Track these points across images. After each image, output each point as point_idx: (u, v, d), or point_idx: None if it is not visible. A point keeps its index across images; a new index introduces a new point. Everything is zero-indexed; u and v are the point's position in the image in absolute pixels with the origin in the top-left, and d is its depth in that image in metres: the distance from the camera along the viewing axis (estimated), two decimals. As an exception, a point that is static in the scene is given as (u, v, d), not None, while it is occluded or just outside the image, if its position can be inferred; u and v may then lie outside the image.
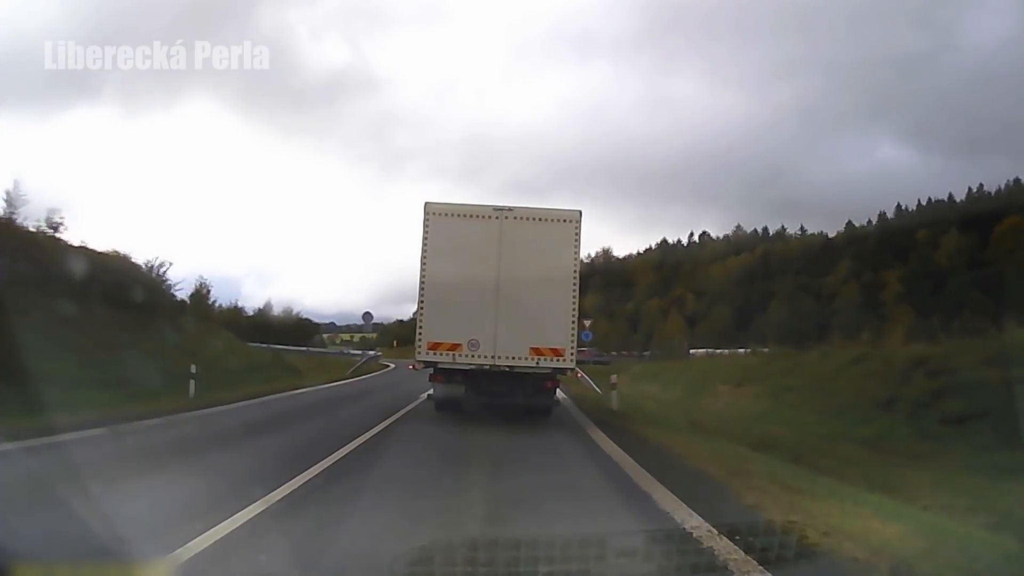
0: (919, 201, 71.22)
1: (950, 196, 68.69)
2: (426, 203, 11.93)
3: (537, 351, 11.73)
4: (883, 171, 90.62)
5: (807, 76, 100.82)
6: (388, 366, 36.38)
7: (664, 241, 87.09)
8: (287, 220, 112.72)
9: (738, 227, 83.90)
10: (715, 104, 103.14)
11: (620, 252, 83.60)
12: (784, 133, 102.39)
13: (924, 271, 55.37)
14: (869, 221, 72.14)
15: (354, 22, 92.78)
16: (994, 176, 78.02)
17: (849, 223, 73.76)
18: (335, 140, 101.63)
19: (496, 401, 12.24)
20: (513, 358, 11.71)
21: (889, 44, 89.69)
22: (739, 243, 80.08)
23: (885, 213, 72.02)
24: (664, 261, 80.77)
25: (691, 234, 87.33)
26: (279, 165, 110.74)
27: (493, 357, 11.63)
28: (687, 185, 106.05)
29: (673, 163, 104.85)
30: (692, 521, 5.04)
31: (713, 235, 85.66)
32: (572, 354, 12.05)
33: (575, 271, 12.02)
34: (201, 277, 51.75)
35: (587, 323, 26.24)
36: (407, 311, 74.36)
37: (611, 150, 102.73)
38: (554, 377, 12.29)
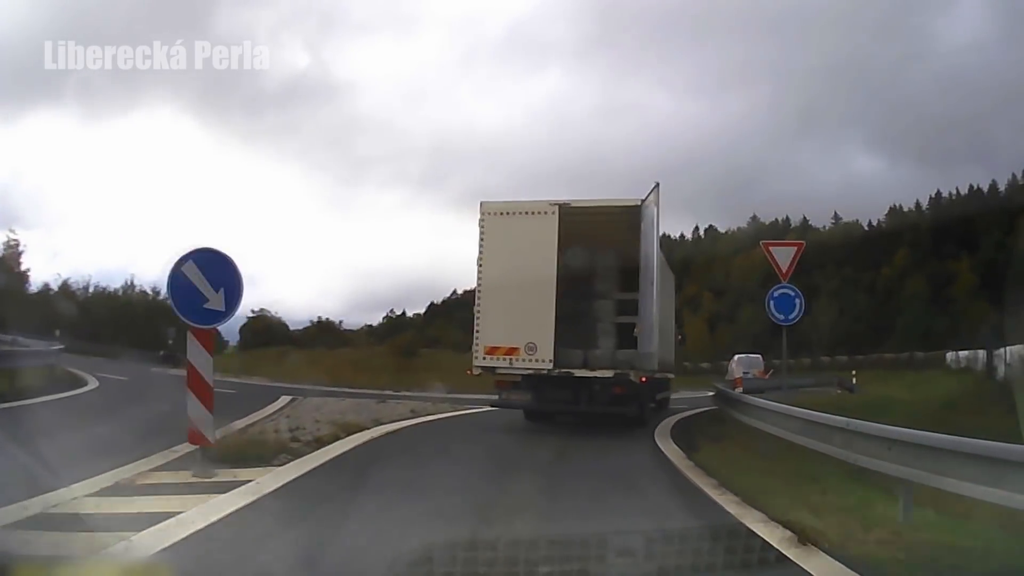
0: (958, 190, 72.63)
1: (993, 183, 69.88)
2: (482, 203, 12.81)
3: None
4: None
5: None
6: (83, 385, 19.04)
7: (665, 235, 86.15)
8: (260, 226, 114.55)
9: (754, 217, 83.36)
10: (679, 109, 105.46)
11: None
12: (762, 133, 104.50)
13: (1001, 260, 54.45)
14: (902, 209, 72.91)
15: (310, 26, 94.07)
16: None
17: (893, 208, 74.33)
18: (306, 145, 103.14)
19: (566, 409, 12.93)
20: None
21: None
22: (759, 234, 79.71)
23: (939, 195, 72.76)
24: (668, 258, 79.79)
25: (696, 228, 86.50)
26: (250, 170, 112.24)
27: (553, 361, 12.17)
28: (663, 189, 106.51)
29: (642, 167, 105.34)
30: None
31: (720, 229, 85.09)
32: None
33: (655, 262, 12.44)
34: (10, 230, 46.32)
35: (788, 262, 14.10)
36: (377, 319, 75.74)
37: (577, 156, 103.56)
38: (624, 382, 12.51)
